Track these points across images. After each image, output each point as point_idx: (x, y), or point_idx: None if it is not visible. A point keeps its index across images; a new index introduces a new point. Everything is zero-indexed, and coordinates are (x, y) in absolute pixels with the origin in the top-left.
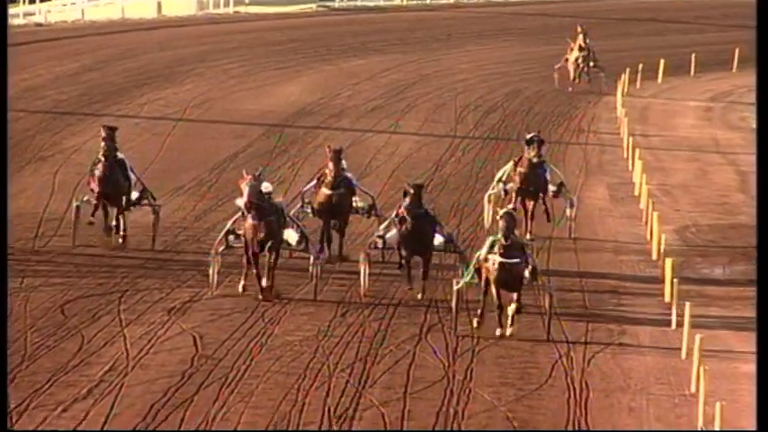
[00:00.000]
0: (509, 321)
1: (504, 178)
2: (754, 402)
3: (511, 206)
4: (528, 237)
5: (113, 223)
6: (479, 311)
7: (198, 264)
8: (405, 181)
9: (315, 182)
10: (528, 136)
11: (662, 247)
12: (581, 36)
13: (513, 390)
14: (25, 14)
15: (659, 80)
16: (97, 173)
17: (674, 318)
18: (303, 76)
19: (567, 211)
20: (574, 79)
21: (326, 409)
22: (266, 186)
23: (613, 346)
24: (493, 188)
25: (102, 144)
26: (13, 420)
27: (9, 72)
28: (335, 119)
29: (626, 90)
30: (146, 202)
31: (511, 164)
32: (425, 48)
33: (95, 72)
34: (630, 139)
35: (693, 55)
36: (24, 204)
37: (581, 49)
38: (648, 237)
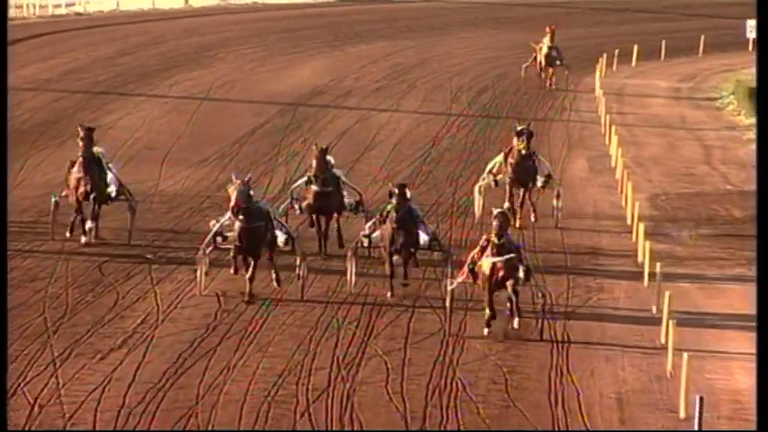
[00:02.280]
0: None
1: (494, 170)
2: (718, 353)
3: (506, 205)
4: (517, 223)
5: (87, 225)
6: (486, 318)
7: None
8: (403, 156)
9: (304, 179)
10: (518, 128)
11: (635, 213)
12: (549, 36)
13: (502, 341)
14: (67, 5)
15: (633, 64)
16: (74, 171)
17: (646, 276)
18: (314, 60)
19: (554, 201)
20: (546, 78)
21: (335, 357)
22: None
23: (592, 301)
24: (483, 179)
25: (80, 143)
26: (57, 366)
27: (53, 56)
28: (343, 98)
29: (603, 73)
30: (123, 197)
31: (501, 155)
32: (425, 35)
33: (129, 56)
34: (607, 116)
35: (663, 41)
36: (65, 175)
37: (549, 47)
38: (623, 203)
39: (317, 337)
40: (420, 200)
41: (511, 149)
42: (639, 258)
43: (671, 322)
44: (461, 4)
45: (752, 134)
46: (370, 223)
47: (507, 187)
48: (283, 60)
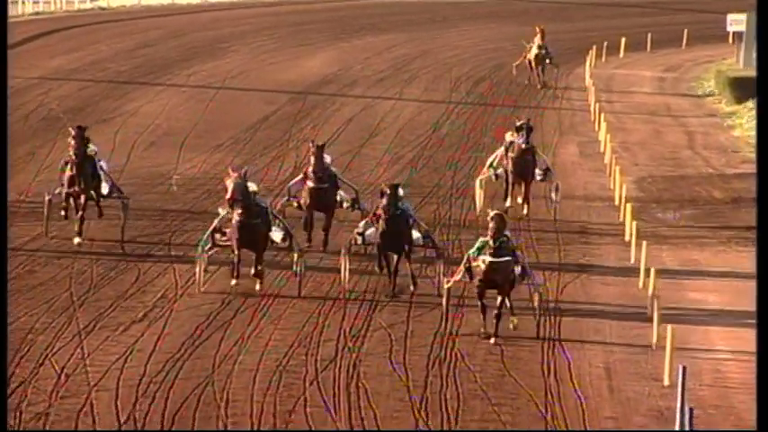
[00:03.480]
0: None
1: (495, 163)
2: (701, 325)
3: (507, 204)
4: (514, 207)
5: (77, 226)
6: (484, 323)
7: None
8: (406, 141)
9: (301, 176)
10: (518, 123)
11: (623, 195)
12: (539, 36)
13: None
14: (91, 0)
15: (621, 55)
16: (67, 170)
17: (632, 253)
18: (322, 52)
19: (553, 194)
20: (537, 76)
21: (342, 330)
22: (251, 186)
23: (581, 277)
24: (484, 172)
25: (72, 142)
26: (82, 338)
27: (79, 48)
28: (349, 87)
29: (593, 63)
30: (115, 195)
31: (502, 149)
32: (426, 28)
33: (149, 48)
34: (597, 104)
35: (649, 34)
36: None
37: (539, 47)
38: (612, 186)
39: (325, 311)
40: (422, 182)
41: (511, 144)
42: (626, 237)
43: (655, 296)
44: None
45: (731, 121)
46: (363, 222)
47: (511, 179)
48: (293, 52)
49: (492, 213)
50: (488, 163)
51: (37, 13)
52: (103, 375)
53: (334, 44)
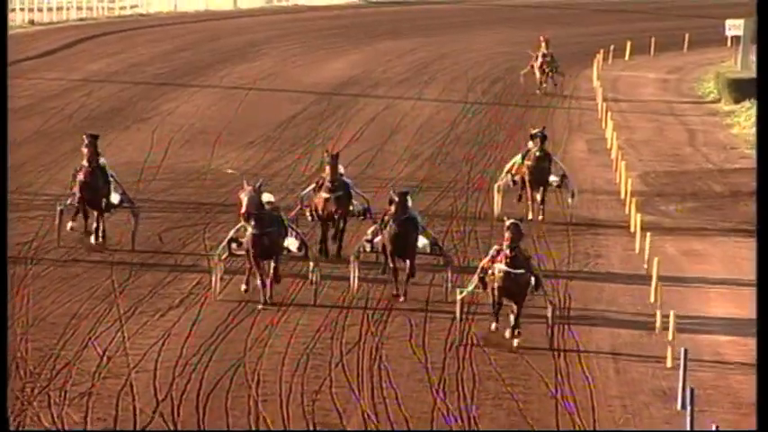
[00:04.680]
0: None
1: (513, 170)
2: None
3: (528, 202)
4: (530, 216)
5: (94, 226)
6: (494, 321)
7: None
8: (425, 139)
9: (313, 186)
10: (532, 131)
11: (628, 189)
12: (543, 45)
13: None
14: (131, 6)
15: (626, 58)
16: (79, 178)
17: (637, 244)
18: (347, 55)
19: (569, 200)
20: (541, 83)
21: (365, 315)
22: (267, 197)
23: (590, 266)
24: (502, 179)
25: (85, 151)
26: (122, 322)
27: (119, 52)
28: (372, 88)
29: (600, 66)
30: (126, 204)
31: (519, 156)
32: (444, 33)
33: (185, 52)
34: (604, 104)
35: (653, 39)
36: (130, 155)
37: (544, 56)
38: (617, 180)
39: (349, 298)
40: (440, 177)
41: (528, 152)
42: (632, 229)
43: (659, 284)
44: (478, 5)
45: (730, 120)
46: (372, 228)
47: (528, 186)
48: (319, 55)
49: (508, 222)
50: (506, 169)
51: (81, 19)
52: (142, 357)
53: (358, 48)
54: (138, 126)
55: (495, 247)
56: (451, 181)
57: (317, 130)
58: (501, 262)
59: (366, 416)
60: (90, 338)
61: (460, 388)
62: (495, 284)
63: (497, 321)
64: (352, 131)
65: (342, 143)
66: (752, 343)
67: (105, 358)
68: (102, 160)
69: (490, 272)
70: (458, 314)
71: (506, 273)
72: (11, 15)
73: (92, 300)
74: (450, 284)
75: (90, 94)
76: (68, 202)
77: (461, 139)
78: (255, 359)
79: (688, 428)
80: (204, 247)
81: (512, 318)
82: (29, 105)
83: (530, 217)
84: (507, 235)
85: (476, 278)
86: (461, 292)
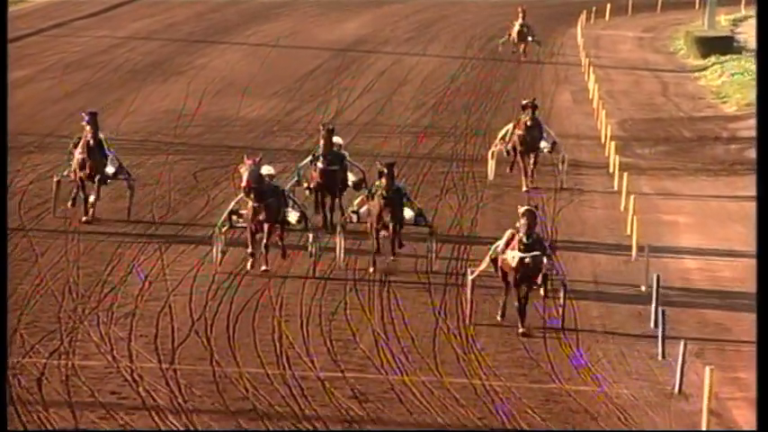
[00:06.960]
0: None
1: (506, 137)
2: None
3: (524, 188)
4: (524, 188)
5: (91, 198)
6: (502, 306)
7: (286, 146)
8: (429, 90)
9: (310, 158)
10: (523, 102)
11: (608, 134)
12: (521, 15)
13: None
14: None
15: (607, 18)
16: (78, 151)
17: (615, 183)
18: (359, 17)
19: (560, 165)
20: (519, 49)
21: (373, 257)
22: (267, 169)
23: (574, 201)
24: (495, 145)
25: (88, 127)
26: (162, 252)
27: (158, 13)
28: (382, 45)
29: (584, 25)
30: (121, 176)
31: (511, 125)
32: None
33: (216, 13)
34: (587, 59)
35: (630, 0)
36: (168, 104)
37: (521, 25)
38: (599, 127)
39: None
40: (442, 124)
41: (519, 121)
42: (611, 170)
43: (635, 218)
44: None
45: (698, 73)
46: (358, 199)
47: (517, 152)
48: (335, 17)
49: (523, 209)
50: (499, 136)
51: None
52: (180, 282)
53: (369, 10)
54: (175, 78)
55: (510, 231)
56: (452, 127)
57: (333, 82)
58: (515, 249)
59: (376, 334)
60: (134, 266)
61: (459, 310)
62: (510, 270)
63: (503, 316)
64: (364, 83)
65: (356, 92)
66: (716, 268)
67: (147, 283)
68: (100, 135)
69: (503, 257)
70: (469, 295)
71: (522, 258)
72: None
73: (135, 234)
74: (433, 255)
75: (133, 50)
76: (65, 173)
77: (461, 90)
78: (279, 284)
79: (660, 345)
80: (233, 185)
81: (516, 304)
82: (79, 60)
83: (523, 189)
84: (523, 222)
85: (487, 259)
86: (473, 274)
